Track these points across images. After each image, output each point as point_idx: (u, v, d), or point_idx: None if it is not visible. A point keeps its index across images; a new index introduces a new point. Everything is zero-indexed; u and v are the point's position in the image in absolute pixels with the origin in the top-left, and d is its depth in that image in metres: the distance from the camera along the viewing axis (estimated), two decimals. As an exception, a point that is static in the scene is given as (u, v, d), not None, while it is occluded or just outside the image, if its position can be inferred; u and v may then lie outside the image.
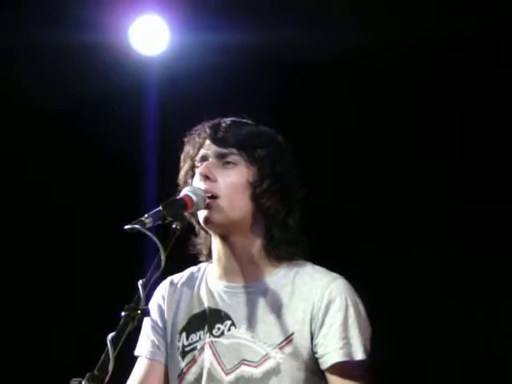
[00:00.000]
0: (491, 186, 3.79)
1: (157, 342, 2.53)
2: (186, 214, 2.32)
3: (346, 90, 3.93)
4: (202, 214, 2.41)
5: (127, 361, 2.49)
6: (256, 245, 2.45)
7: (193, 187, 2.40)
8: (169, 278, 2.58)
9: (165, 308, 2.54)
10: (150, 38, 4.16)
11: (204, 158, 2.46)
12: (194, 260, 2.58)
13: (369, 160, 3.89)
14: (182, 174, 2.52)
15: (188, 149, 2.50)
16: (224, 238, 2.45)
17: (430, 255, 3.83)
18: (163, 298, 2.56)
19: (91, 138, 4.33)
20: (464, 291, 3.80)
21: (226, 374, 2.38)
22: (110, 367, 1.81)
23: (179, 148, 2.53)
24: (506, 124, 3.79)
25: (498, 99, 3.76)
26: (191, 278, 2.56)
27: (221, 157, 2.43)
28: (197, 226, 2.50)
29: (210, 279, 2.52)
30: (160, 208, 2.22)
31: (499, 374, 3.75)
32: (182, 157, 2.52)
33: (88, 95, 4.34)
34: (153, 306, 2.54)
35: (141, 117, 4.29)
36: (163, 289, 2.57)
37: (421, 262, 3.81)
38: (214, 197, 2.39)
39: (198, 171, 2.45)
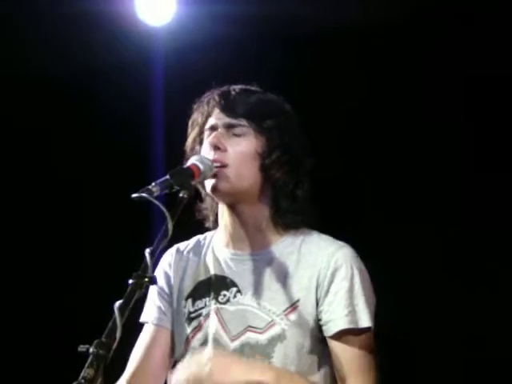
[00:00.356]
0: (502, 158, 3.77)
1: (163, 308, 2.53)
2: (193, 182, 2.31)
3: (352, 60, 3.91)
4: (209, 183, 2.41)
5: (134, 329, 2.50)
6: (263, 214, 2.45)
7: (200, 156, 2.40)
8: (175, 246, 2.59)
9: (171, 274, 2.55)
10: (156, 8, 4.13)
11: (213, 128, 2.45)
12: (201, 228, 2.58)
13: (376, 129, 3.87)
14: (189, 140, 2.52)
15: (196, 116, 2.50)
16: (231, 207, 2.45)
17: (435, 227, 3.82)
18: (169, 264, 2.56)
19: (96, 108, 4.31)
20: (467, 263, 3.79)
21: (232, 340, 2.39)
22: (118, 334, 1.81)
23: (187, 117, 2.52)
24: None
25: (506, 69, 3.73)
26: (198, 246, 2.57)
27: (230, 127, 2.43)
28: (203, 193, 2.50)
29: (217, 247, 2.53)
30: (167, 177, 2.21)
31: (498, 346, 3.75)
32: (190, 123, 2.52)
33: (93, 65, 4.32)
34: (159, 272, 2.55)
35: (147, 88, 4.27)
36: (169, 256, 2.57)
37: (426, 233, 3.80)
38: (222, 166, 2.38)
39: (206, 140, 2.45)
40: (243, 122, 2.42)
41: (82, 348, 1.78)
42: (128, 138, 4.24)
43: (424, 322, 3.80)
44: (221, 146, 2.40)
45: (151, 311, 2.54)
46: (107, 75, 4.34)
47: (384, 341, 2.40)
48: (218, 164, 2.38)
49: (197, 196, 2.49)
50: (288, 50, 3.97)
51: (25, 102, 4.43)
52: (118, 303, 1.87)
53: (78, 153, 4.40)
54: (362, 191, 3.84)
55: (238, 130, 2.42)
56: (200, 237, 2.60)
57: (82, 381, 1.69)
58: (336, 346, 2.36)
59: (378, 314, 2.39)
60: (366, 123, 3.89)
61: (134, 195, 2.12)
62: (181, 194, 2.21)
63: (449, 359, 3.82)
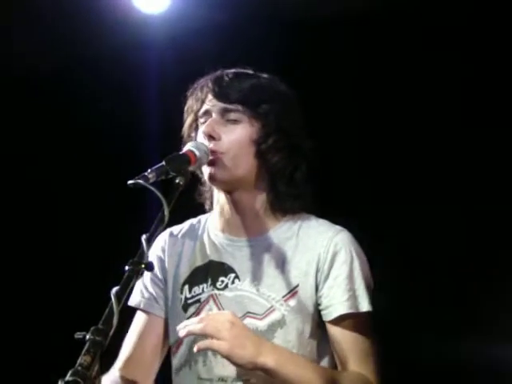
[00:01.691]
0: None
1: (155, 295, 2.52)
2: (189, 168, 2.30)
3: (351, 43, 3.88)
4: (206, 171, 2.39)
5: (131, 315, 2.48)
6: (261, 200, 2.44)
7: (196, 142, 2.38)
8: (168, 230, 2.56)
9: (165, 259, 2.53)
10: (151, -5, 4.12)
11: (207, 113, 2.43)
12: (197, 214, 2.57)
13: (373, 112, 3.85)
14: (185, 127, 2.51)
15: (191, 102, 2.48)
16: (228, 194, 2.44)
17: (432, 210, 3.80)
18: (163, 249, 2.55)
19: (91, 96, 4.29)
20: (464, 243, 3.78)
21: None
22: (115, 321, 1.79)
23: (183, 104, 2.50)
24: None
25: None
26: (192, 230, 2.56)
27: (224, 113, 2.41)
28: (202, 177, 2.48)
29: (212, 231, 2.51)
30: (163, 163, 2.19)
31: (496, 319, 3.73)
32: (185, 109, 2.51)
33: (88, 53, 4.29)
34: (152, 258, 2.48)
35: (142, 76, 4.24)
36: (162, 241, 2.55)
37: (423, 216, 3.78)
38: (218, 153, 2.36)
39: (201, 128, 2.43)
40: (238, 107, 2.39)
41: (78, 335, 1.77)
42: (123, 126, 4.22)
43: (420, 309, 3.79)
44: (215, 135, 2.38)
45: (141, 296, 2.52)
46: (102, 63, 4.31)
47: (380, 323, 2.39)
48: (214, 153, 2.36)
49: (195, 180, 2.47)
50: (285, 35, 3.94)
51: (17, 93, 4.39)
52: (114, 290, 1.85)
53: (73, 142, 4.38)
54: (360, 175, 3.82)
55: (232, 116, 2.40)
56: (193, 220, 2.59)
57: (79, 368, 1.67)
58: (336, 331, 2.35)
59: (374, 297, 2.39)
60: (364, 106, 3.86)
61: (130, 182, 2.10)
62: (177, 180, 2.18)
63: (446, 345, 3.81)
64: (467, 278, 3.77)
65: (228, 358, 2.21)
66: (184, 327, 2.23)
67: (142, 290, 2.54)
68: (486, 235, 3.75)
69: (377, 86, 3.85)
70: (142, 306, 2.52)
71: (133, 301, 2.54)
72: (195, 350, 2.24)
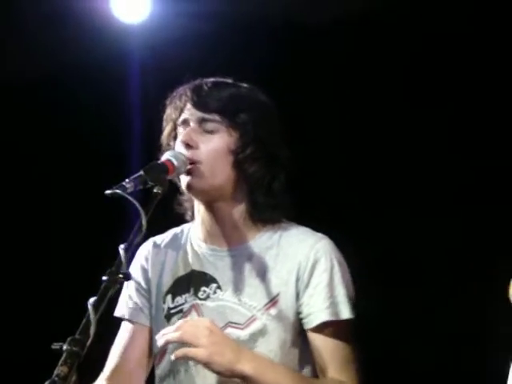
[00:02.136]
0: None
1: (140, 305, 2.51)
2: (167, 178, 2.29)
3: (333, 54, 3.88)
4: (184, 180, 2.38)
5: (110, 326, 2.47)
6: (239, 210, 2.43)
7: (174, 151, 2.37)
8: (151, 240, 2.56)
9: (149, 269, 2.52)
10: (131, 5, 4.11)
11: (185, 122, 2.42)
12: (177, 224, 2.56)
13: (355, 118, 3.85)
14: (164, 135, 2.50)
15: (170, 111, 2.47)
16: (207, 204, 2.43)
17: (417, 218, 3.80)
18: (146, 259, 2.54)
19: (72, 106, 4.27)
20: (452, 248, 3.78)
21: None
22: (92, 331, 1.79)
23: (163, 113, 2.50)
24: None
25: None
26: (175, 240, 2.55)
27: (202, 122, 2.40)
28: (181, 186, 2.46)
29: (194, 241, 2.50)
30: (141, 172, 2.19)
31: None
32: (164, 118, 2.50)
33: (68, 63, 4.28)
34: (135, 268, 2.52)
35: (123, 85, 4.24)
36: (146, 250, 2.55)
37: (407, 224, 3.78)
38: (195, 162, 2.36)
39: (179, 137, 2.42)
40: (216, 117, 2.39)
41: (55, 346, 1.76)
42: (105, 135, 4.21)
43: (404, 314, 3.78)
44: (192, 144, 2.37)
45: (126, 307, 2.52)
46: (82, 73, 4.30)
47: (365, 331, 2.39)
48: (191, 162, 2.35)
49: (176, 190, 2.47)
50: (264, 45, 3.95)
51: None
52: (91, 300, 1.85)
53: (52, 150, 4.36)
54: (341, 182, 3.82)
55: (210, 126, 2.39)
56: (176, 230, 2.58)
57: (56, 378, 1.67)
58: (316, 339, 2.34)
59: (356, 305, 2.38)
60: (346, 113, 3.86)
61: (108, 191, 2.11)
62: (155, 190, 2.18)
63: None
64: (456, 283, 3.77)
65: (206, 365, 2.20)
66: (162, 336, 2.23)
67: (127, 301, 2.53)
68: (474, 240, 3.75)
69: (357, 93, 3.85)
70: (127, 316, 2.52)
71: (118, 311, 2.53)
72: (173, 357, 2.23)
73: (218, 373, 2.23)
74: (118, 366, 2.48)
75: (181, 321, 2.31)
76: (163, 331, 2.25)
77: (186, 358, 2.26)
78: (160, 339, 2.23)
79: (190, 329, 2.21)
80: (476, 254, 3.71)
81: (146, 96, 4.19)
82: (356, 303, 2.38)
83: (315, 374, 2.39)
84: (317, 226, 2.45)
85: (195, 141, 2.38)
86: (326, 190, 3.77)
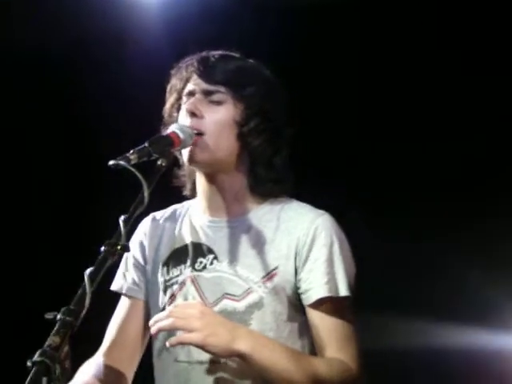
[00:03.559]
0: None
1: (137, 280, 2.51)
2: (172, 150, 2.27)
3: (338, 29, 3.83)
4: (186, 152, 2.36)
5: (108, 299, 2.46)
6: (241, 182, 2.42)
7: (180, 124, 2.35)
8: (151, 215, 2.55)
9: (146, 244, 2.52)
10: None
11: (191, 93, 2.41)
12: (180, 198, 2.54)
13: (359, 93, 3.80)
14: (167, 106, 2.49)
15: (175, 81, 2.46)
16: (208, 176, 2.42)
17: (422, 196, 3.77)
18: (145, 234, 2.54)
19: (78, 81, 4.24)
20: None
21: (209, 307, 2.33)
22: (87, 302, 1.77)
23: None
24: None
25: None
26: (174, 214, 2.54)
27: (207, 93, 2.39)
28: (181, 160, 2.46)
29: (194, 214, 2.49)
30: (146, 144, 2.17)
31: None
32: (168, 89, 2.49)
33: (81, 39, 4.24)
34: (134, 242, 2.52)
35: (137, 61, 4.20)
36: (145, 225, 2.55)
37: (407, 203, 3.74)
38: (199, 134, 2.34)
39: (184, 107, 2.40)
40: (221, 88, 2.37)
41: (48, 315, 1.74)
42: (108, 111, 4.18)
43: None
44: (197, 113, 2.35)
45: (123, 281, 2.52)
46: (97, 49, 4.27)
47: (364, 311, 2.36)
48: (195, 131, 2.33)
49: (175, 163, 2.45)
50: (280, 20, 3.90)
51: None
52: (88, 270, 1.83)
53: (59, 127, 4.33)
54: (345, 161, 3.78)
55: (215, 97, 2.38)
56: (177, 206, 2.57)
57: (47, 348, 1.64)
58: (315, 315, 2.32)
59: (357, 283, 2.36)
60: (349, 90, 3.82)
61: (111, 162, 2.09)
62: (159, 162, 2.17)
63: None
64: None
65: (202, 347, 2.18)
66: (154, 323, 2.21)
67: (124, 275, 2.53)
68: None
69: (363, 71, 3.80)
70: (124, 291, 2.52)
71: (115, 285, 2.53)
72: (168, 345, 2.22)
73: (214, 353, 2.21)
74: (116, 340, 2.48)
75: (171, 306, 2.30)
76: (155, 318, 2.23)
77: (181, 344, 2.24)
78: (152, 327, 2.22)
79: (180, 314, 2.19)
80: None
81: (160, 72, 4.14)
82: (356, 282, 2.36)
83: (314, 351, 2.37)
84: (316, 203, 2.42)
85: (200, 110, 2.36)
86: (328, 166, 3.73)
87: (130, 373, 2.50)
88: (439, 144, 3.77)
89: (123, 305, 2.52)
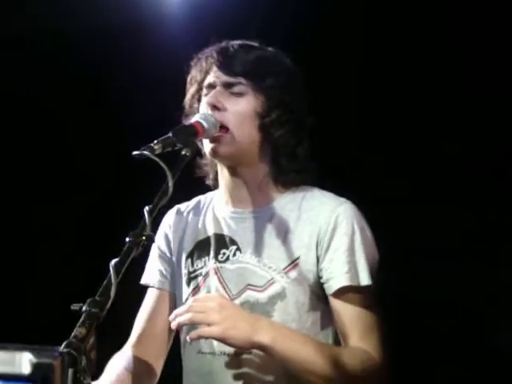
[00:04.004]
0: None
1: (164, 272, 2.54)
2: (196, 140, 2.27)
3: (359, 19, 3.79)
4: (208, 146, 2.37)
5: (134, 289, 2.47)
6: (263, 173, 2.43)
7: (204, 114, 2.36)
8: (175, 207, 2.57)
9: (171, 236, 2.54)
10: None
11: (211, 85, 2.42)
12: (203, 188, 2.54)
13: (380, 86, 3.76)
14: (188, 97, 2.50)
15: (195, 73, 2.47)
16: (231, 169, 2.43)
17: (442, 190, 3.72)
18: (169, 226, 2.55)
19: (106, 72, 4.23)
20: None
21: (232, 299, 2.36)
22: (112, 293, 1.77)
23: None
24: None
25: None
26: (198, 206, 2.56)
27: (228, 86, 2.39)
28: (203, 149, 2.46)
29: (217, 206, 2.50)
30: (170, 134, 2.18)
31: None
32: (189, 80, 2.50)
33: (100, 27, 4.23)
34: (160, 235, 2.54)
35: (158, 48, 4.19)
36: (170, 218, 2.56)
37: (431, 192, 3.70)
38: (223, 127, 2.34)
39: (204, 99, 2.41)
40: (242, 80, 2.38)
41: (74, 306, 1.75)
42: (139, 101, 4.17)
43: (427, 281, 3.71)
44: (219, 106, 2.36)
45: (153, 274, 2.54)
46: (121, 35, 4.26)
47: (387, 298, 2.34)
48: (219, 124, 2.34)
49: (197, 153, 2.45)
50: (299, 6, 3.87)
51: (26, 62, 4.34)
52: (113, 261, 1.83)
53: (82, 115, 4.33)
54: (366, 151, 3.75)
55: (236, 89, 2.38)
56: (201, 197, 2.59)
57: (73, 340, 1.64)
58: (338, 304, 2.32)
59: (381, 272, 2.36)
60: (370, 81, 3.77)
61: (135, 152, 2.09)
62: (183, 152, 2.16)
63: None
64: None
65: (223, 340, 2.18)
66: (174, 318, 2.21)
67: (152, 268, 2.56)
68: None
69: (383, 61, 3.75)
70: (151, 284, 2.55)
71: (144, 279, 2.56)
72: (188, 340, 2.23)
73: (235, 346, 2.21)
74: (144, 332, 2.50)
75: (190, 300, 2.29)
76: (175, 312, 2.23)
77: (201, 338, 2.25)
78: (173, 322, 2.22)
79: (199, 308, 2.19)
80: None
81: (183, 58, 4.13)
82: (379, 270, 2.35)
83: (337, 341, 2.37)
84: (339, 192, 2.42)
85: (222, 102, 2.37)
86: (348, 156, 3.69)
87: (159, 364, 2.51)
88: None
89: (151, 297, 2.54)
